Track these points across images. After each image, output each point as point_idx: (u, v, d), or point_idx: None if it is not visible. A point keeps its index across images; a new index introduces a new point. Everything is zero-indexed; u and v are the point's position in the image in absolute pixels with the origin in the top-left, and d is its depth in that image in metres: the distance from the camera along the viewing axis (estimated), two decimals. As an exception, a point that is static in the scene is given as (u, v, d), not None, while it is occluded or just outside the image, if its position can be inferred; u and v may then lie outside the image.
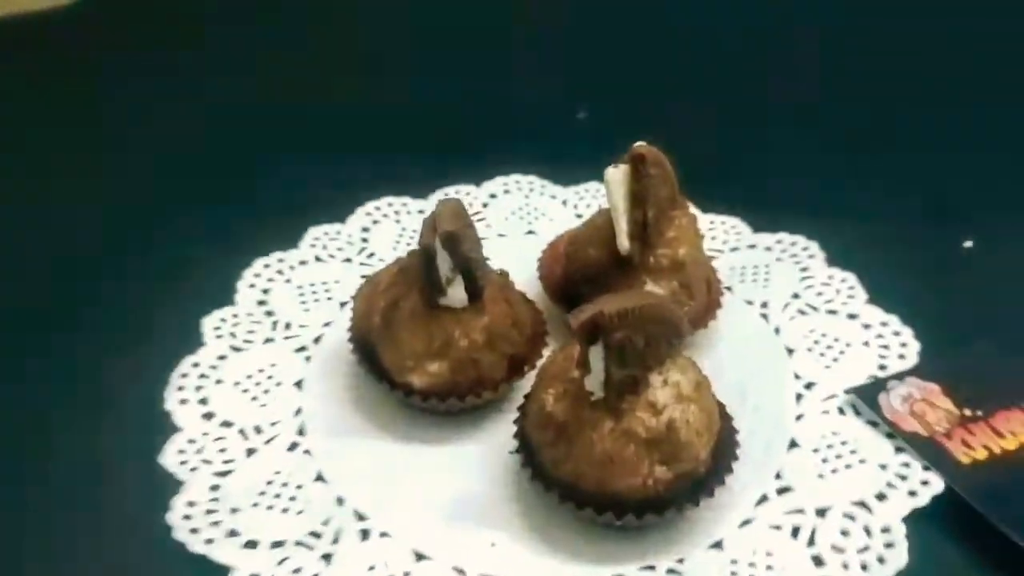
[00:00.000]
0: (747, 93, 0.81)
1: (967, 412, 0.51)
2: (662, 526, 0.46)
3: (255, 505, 0.48)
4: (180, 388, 0.54)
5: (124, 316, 0.59)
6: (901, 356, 0.55)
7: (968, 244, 0.65)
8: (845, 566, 0.44)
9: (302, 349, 0.57)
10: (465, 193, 0.70)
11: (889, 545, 0.45)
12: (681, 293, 0.54)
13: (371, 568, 0.45)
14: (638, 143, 0.52)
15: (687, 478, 0.45)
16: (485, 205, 0.69)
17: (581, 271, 0.55)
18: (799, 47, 0.86)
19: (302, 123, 0.78)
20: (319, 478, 0.49)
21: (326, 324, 0.58)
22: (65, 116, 0.79)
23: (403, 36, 0.91)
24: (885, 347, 0.56)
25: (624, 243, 0.52)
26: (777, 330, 0.57)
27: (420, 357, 0.50)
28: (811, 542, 0.46)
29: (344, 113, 0.79)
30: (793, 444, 0.50)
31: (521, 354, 0.52)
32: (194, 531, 0.46)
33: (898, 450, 0.49)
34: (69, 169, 0.72)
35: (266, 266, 0.63)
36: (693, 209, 0.64)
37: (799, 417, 0.52)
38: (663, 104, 0.79)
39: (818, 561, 0.45)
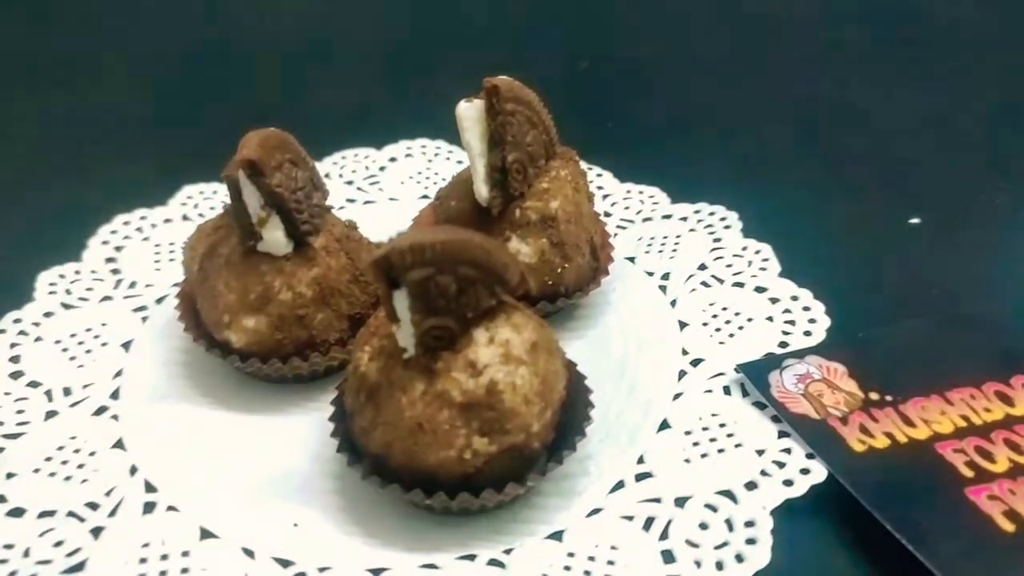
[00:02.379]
0: (685, 65, 0.75)
1: (873, 396, 0.44)
2: (492, 511, 0.40)
3: (36, 471, 0.42)
4: (-7, 345, 0.48)
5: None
6: (807, 333, 0.48)
7: (915, 221, 0.57)
8: (698, 564, 0.37)
9: (141, 309, 0.52)
10: (364, 156, 0.64)
11: (751, 541, 0.38)
12: (553, 253, 0.47)
13: (145, 545, 0.39)
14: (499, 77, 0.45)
15: (515, 453, 0.38)
16: (382, 169, 0.63)
17: (445, 224, 0.49)
18: (737, 22, 0.80)
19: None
20: (118, 445, 0.44)
21: (174, 284, 0.52)
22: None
23: None
24: (791, 323, 0.49)
25: (481, 190, 0.46)
26: (674, 303, 0.51)
27: (236, 311, 0.44)
28: (664, 535, 0.39)
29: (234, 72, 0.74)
30: (664, 425, 0.43)
31: (366, 315, 0.46)
32: (-44, 496, 0.40)
33: (782, 434, 0.42)
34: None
35: (126, 223, 0.57)
36: (599, 170, 0.58)
37: (677, 396, 0.45)
38: (593, 71, 0.73)
39: (668, 557, 0.38)
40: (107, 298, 0.52)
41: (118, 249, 0.56)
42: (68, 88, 0.73)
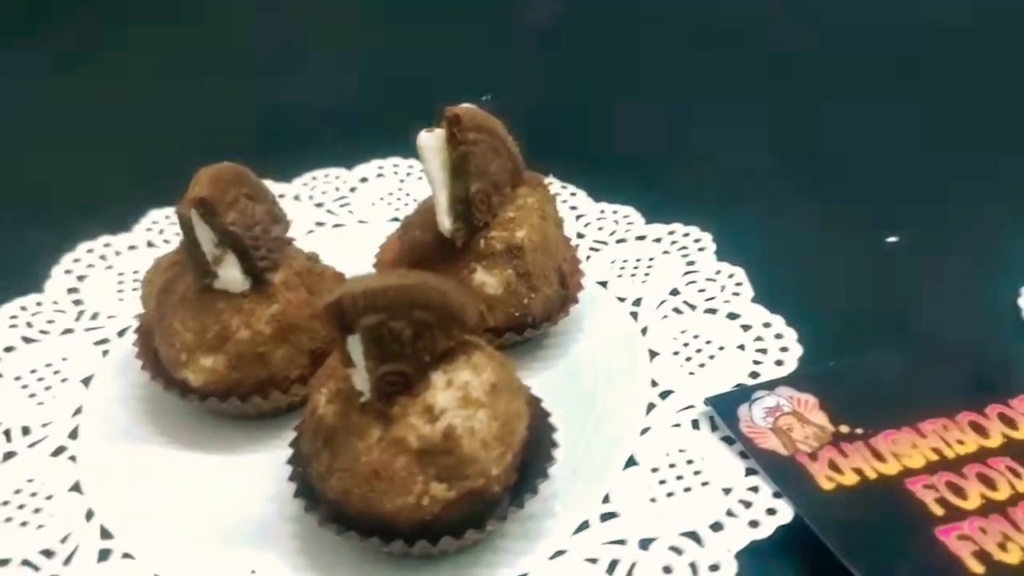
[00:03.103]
0: (661, 84, 0.74)
1: (843, 429, 0.43)
2: (453, 554, 0.39)
3: (-8, 517, 0.41)
4: (-51, 383, 0.48)
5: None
6: (779, 362, 0.47)
7: (892, 239, 0.56)
8: (661, 610, 0.37)
9: (103, 342, 0.51)
10: (335, 176, 0.63)
11: (715, 585, 0.37)
12: (519, 284, 0.46)
13: (99, 596, 0.38)
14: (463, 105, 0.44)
15: (474, 498, 0.37)
16: (353, 190, 0.62)
17: (409, 257, 0.48)
18: (713, 40, 0.79)
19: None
20: (75, 488, 0.43)
21: (136, 316, 0.51)
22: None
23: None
24: (763, 351, 0.48)
25: (444, 221, 0.45)
26: (644, 330, 0.50)
27: (192, 349, 0.43)
28: (628, 579, 0.38)
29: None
30: (631, 462, 0.43)
31: (328, 351, 0.44)
32: (-92, 545, 0.40)
33: (749, 472, 0.41)
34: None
35: (89, 251, 0.56)
36: (573, 189, 0.57)
37: (645, 431, 0.44)
38: (570, 93, 0.72)
39: (631, 602, 0.37)
40: (68, 331, 0.51)
41: (80, 279, 0.55)
42: (34, 108, 0.72)
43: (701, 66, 0.75)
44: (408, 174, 0.64)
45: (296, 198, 0.61)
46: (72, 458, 0.44)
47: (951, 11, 0.78)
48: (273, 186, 0.61)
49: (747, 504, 0.40)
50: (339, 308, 0.35)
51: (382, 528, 0.37)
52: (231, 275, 0.42)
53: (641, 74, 0.75)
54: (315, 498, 0.39)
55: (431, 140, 0.44)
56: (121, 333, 0.51)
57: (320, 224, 0.59)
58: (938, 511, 0.40)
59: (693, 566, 0.38)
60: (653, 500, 0.41)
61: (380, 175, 0.63)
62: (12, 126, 0.69)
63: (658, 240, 0.56)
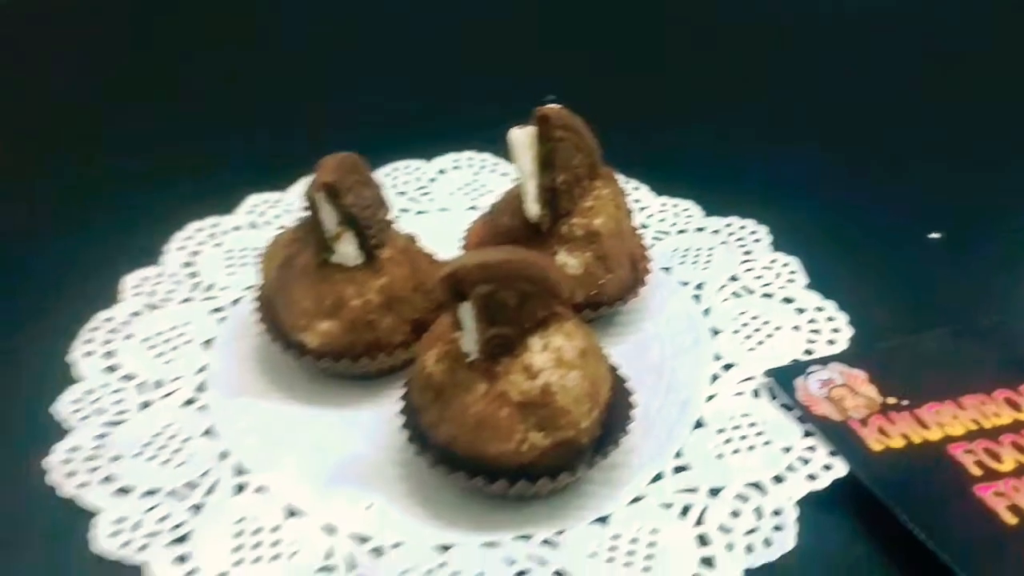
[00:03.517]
0: (718, 81, 0.79)
1: (891, 400, 0.48)
2: (546, 497, 0.44)
3: (137, 455, 0.47)
4: (88, 341, 0.54)
5: (50, 273, 0.59)
6: (831, 342, 0.52)
7: (935, 236, 0.61)
8: (729, 547, 0.42)
9: (218, 310, 0.56)
10: (415, 168, 0.69)
11: (778, 528, 0.42)
12: (596, 265, 0.52)
13: (240, 521, 0.44)
14: (548, 105, 0.50)
15: (567, 447, 0.43)
16: (432, 180, 0.68)
17: (496, 241, 0.53)
18: (772, 39, 0.84)
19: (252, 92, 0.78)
20: (208, 432, 0.48)
21: (247, 287, 0.57)
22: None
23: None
24: (816, 332, 0.53)
25: (532, 208, 0.50)
26: (707, 311, 0.55)
27: (312, 315, 0.49)
28: (699, 521, 0.43)
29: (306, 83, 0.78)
30: (699, 424, 0.48)
31: (427, 320, 0.50)
32: (70, 475, 0.46)
33: (807, 434, 0.47)
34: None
35: (199, 230, 0.62)
36: (636, 184, 0.62)
37: (711, 397, 0.49)
38: (632, 89, 0.77)
39: (703, 541, 0.42)
40: (187, 299, 0.57)
41: (194, 254, 0.60)
42: (142, 101, 0.78)
43: (758, 65, 0.80)
44: (482, 167, 0.69)
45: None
46: (203, 408, 0.50)
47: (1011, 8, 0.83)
48: None
49: (805, 461, 0.45)
50: (456, 278, 0.40)
51: (486, 470, 0.43)
52: (347, 251, 0.47)
53: (700, 75, 0.80)
54: (426, 444, 0.45)
55: (523, 136, 0.49)
56: (235, 302, 0.57)
57: (404, 211, 0.65)
58: (976, 472, 0.44)
59: (758, 511, 0.43)
60: (720, 456, 0.46)
61: (456, 167, 0.69)
62: (129, 121, 0.75)
63: (716, 232, 0.61)
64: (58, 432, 0.48)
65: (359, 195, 0.48)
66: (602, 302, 0.53)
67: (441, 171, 0.69)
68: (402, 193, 0.67)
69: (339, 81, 0.81)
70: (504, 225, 0.53)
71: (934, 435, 0.46)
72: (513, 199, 0.53)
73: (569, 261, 0.51)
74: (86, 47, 0.87)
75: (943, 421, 0.47)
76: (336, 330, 0.49)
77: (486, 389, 0.42)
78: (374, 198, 0.49)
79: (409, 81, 0.80)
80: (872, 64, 0.80)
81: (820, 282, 0.56)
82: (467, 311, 0.41)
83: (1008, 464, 0.45)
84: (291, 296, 0.49)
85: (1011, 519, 0.42)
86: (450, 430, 0.43)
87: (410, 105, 0.76)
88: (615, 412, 0.45)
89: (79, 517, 0.44)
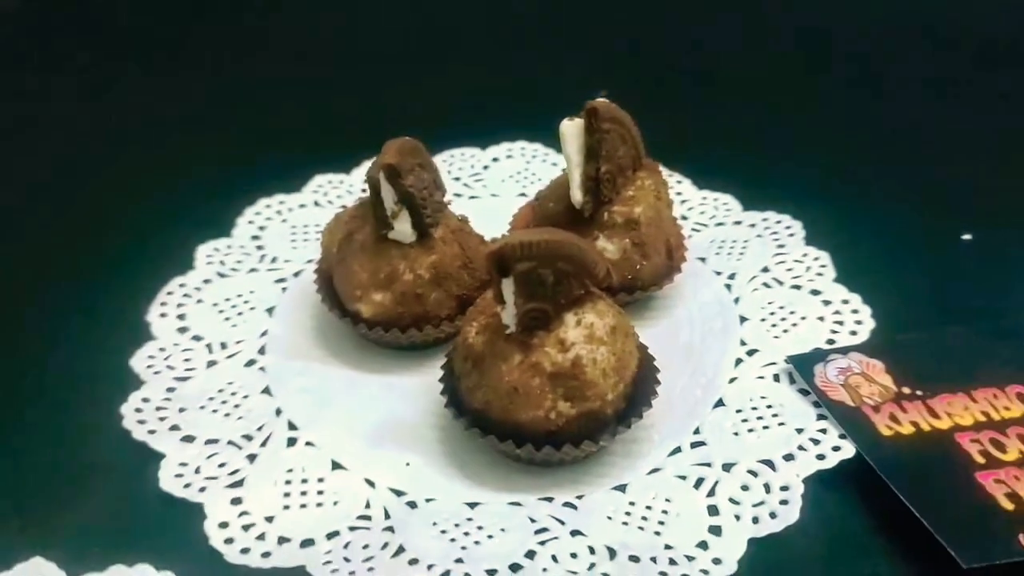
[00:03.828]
0: (760, 79, 0.81)
1: (906, 390, 0.51)
2: (571, 464, 0.48)
3: (202, 408, 0.52)
4: (163, 304, 0.59)
5: (134, 240, 0.64)
6: (853, 333, 0.55)
7: (967, 237, 0.63)
8: (737, 517, 0.45)
9: (281, 280, 0.61)
10: (471, 155, 0.73)
11: (784, 502, 0.45)
12: (633, 252, 0.55)
13: (289, 471, 0.48)
14: (598, 99, 0.53)
15: (592, 417, 0.46)
16: (486, 167, 0.72)
17: (542, 224, 0.57)
18: (808, 39, 0.87)
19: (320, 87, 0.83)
20: (265, 391, 0.53)
21: (308, 261, 0.62)
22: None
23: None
24: (839, 323, 0.55)
25: (576, 195, 0.54)
26: (737, 300, 0.58)
27: (367, 287, 0.53)
28: (711, 493, 0.46)
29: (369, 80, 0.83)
30: (720, 403, 0.51)
31: (472, 296, 0.54)
32: (141, 422, 0.51)
33: (820, 417, 0.49)
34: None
35: (267, 206, 0.67)
36: (679, 177, 0.65)
37: (733, 380, 0.52)
38: (679, 87, 0.81)
39: (713, 510, 0.46)
40: (253, 270, 0.62)
41: (261, 228, 0.65)
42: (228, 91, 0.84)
43: (798, 65, 0.83)
44: (534, 156, 0.72)
45: (437, 172, 0.71)
46: (262, 368, 0.55)
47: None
48: None
49: (816, 442, 0.48)
50: (500, 255, 0.44)
51: (516, 435, 0.47)
52: (404, 228, 0.52)
53: (746, 75, 0.82)
54: (462, 409, 0.48)
55: (571, 128, 0.53)
56: (296, 274, 0.61)
57: (458, 195, 0.69)
58: (980, 460, 0.47)
59: (767, 486, 0.46)
60: (736, 434, 0.49)
61: (509, 156, 0.72)
62: (210, 104, 0.81)
63: (753, 225, 0.64)
64: (134, 384, 0.53)
65: (418, 177, 0.52)
66: (637, 287, 0.56)
67: (495, 159, 0.72)
68: (457, 179, 0.71)
69: (406, 73, 0.85)
70: (550, 210, 0.56)
71: (944, 424, 0.49)
72: (559, 186, 0.57)
73: (608, 247, 0.55)
74: (157, 23, 0.92)
75: (953, 412, 0.49)
76: (388, 301, 0.53)
77: (521, 359, 0.46)
78: (431, 181, 0.53)
79: (471, 74, 0.84)
80: (910, 64, 0.82)
81: (849, 276, 0.59)
82: (508, 286, 0.45)
83: (1012, 454, 0.47)
84: (349, 268, 0.53)
85: (1008, 505, 0.44)
86: (486, 395, 0.47)
87: (470, 97, 0.80)
88: (641, 388, 0.49)
89: (149, 460, 0.49)
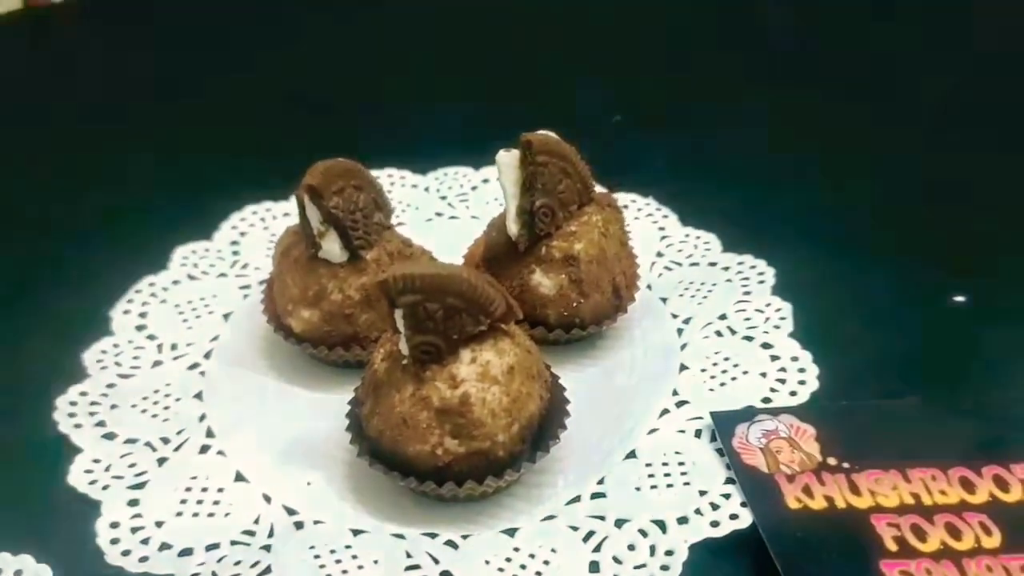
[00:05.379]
0: (763, 119, 0.78)
1: (831, 461, 0.48)
2: (471, 502, 0.47)
3: (133, 406, 0.54)
4: (129, 301, 0.61)
5: (112, 238, 0.67)
6: (793, 393, 0.52)
7: (959, 299, 0.59)
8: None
9: (246, 287, 0.62)
10: (462, 175, 0.73)
11: (664, 568, 0.43)
12: (571, 288, 0.54)
13: (193, 478, 0.49)
14: (540, 132, 0.52)
15: (482, 456, 0.45)
16: (474, 188, 0.71)
17: (486, 254, 0.56)
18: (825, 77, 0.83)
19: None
20: (197, 396, 0.55)
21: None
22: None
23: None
24: (781, 381, 0.53)
25: (512, 227, 0.53)
26: (684, 346, 0.56)
27: (297, 303, 0.53)
28: (598, 548, 0.45)
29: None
30: (631, 455, 0.49)
31: (407, 320, 0.54)
32: (71, 415, 0.53)
33: (728, 481, 0.47)
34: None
35: (254, 212, 0.69)
36: (665, 212, 0.63)
37: (653, 431, 0.50)
38: (679, 117, 0.79)
39: (594, 567, 0.44)
40: (223, 275, 0.63)
41: (243, 234, 0.67)
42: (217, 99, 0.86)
43: (807, 110, 0.79)
44: (525, 180, 0.72)
45: (426, 189, 0.71)
46: (202, 373, 0.56)
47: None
48: (410, 177, 0.73)
49: (715, 507, 0.46)
50: (385, 286, 0.44)
51: (403, 466, 0.46)
52: (332, 248, 0.52)
53: (745, 111, 0.79)
54: (360, 435, 0.48)
55: (508, 159, 0.52)
56: (262, 282, 0.62)
57: (439, 215, 0.69)
58: (892, 547, 0.43)
59: (652, 548, 0.44)
60: (638, 489, 0.47)
61: (499, 178, 0.72)
62: (206, 108, 0.83)
63: (726, 268, 0.61)
64: (81, 376, 0.55)
65: (347, 199, 0.52)
66: (575, 324, 0.54)
67: (485, 180, 0.72)
68: (443, 197, 0.71)
69: (412, 87, 0.86)
70: (493, 240, 0.56)
71: (862, 503, 0.45)
72: (503, 218, 0.56)
73: (544, 281, 0.54)
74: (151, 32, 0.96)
75: (878, 490, 0.46)
76: (316, 319, 0.53)
77: (413, 391, 0.45)
78: (370, 202, 0.54)
79: (475, 91, 0.84)
80: (924, 115, 0.77)
81: (809, 332, 0.55)
82: (399, 317, 0.45)
83: (931, 545, 0.44)
84: (284, 283, 0.54)
85: (904, 601, 0.41)
86: (379, 424, 0.47)
87: (472, 116, 0.79)
88: (547, 431, 0.48)
89: (70, 453, 0.51)
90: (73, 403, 0.53)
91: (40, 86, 0.89)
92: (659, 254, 0.63)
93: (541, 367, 0.48)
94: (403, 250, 0.55)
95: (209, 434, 0.52)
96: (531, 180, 0.52)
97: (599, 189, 0.57)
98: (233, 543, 0.46)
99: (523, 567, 0.44)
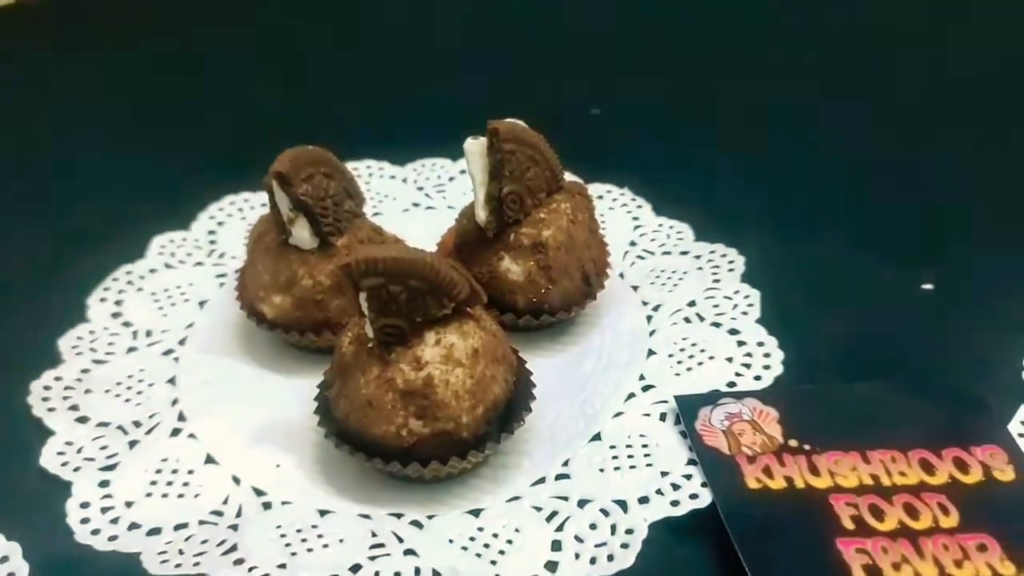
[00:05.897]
0: (739, 110, 0.79)
1: (792, 443, 0.48)
2: (437, 483, 0.48)
3: (107, 391, 0.54)
4: (106, 289, 0.62)
5: (93, 225, 0.67)
6: (757, 378, 0.52)
7: (927, 287, 0.59)
8: (576, 555, 0.44)
9: (222, 276, 0.63)
10: (440, 166, 0.73)
11: (624, 546, 0.44)
12: (539, 275, 0.54)
13: (164, 460, 0.50)
14: (507, 120, 0.53)
15: (445, 438, 0.46)
16: (451, 179, 0.72)
17: (457, 241, 0.57)
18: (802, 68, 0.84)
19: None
20: (171, 381, 0.55)
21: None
22: None
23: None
24: (747, 366, 0.53)
25: (480, 214, 0.54)
26: (652, 332, 0.56)
27: (268, 288, 0.54)
28: (560, 528, 0.45)
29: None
30: (596, 437, 0.50)
31: (378, 306, 0.55)
32: (45, 399, 0.53)
33: (691, 462, 0.48)
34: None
35: (231, 203, 0.69)
36: (640, 202, 0.64)
37: (618, 414, 0.51)
38: (665, 108, 0.79)
39: (556, 546, 0.45)
40: (199, 263, 0.64)
41: (220, 224, 0.68)
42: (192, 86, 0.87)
43: (775, 98, 0.80)
44: (502, 171, 0.72)
45: (404, 180, 0.72)
46: (176, 359, 0.57)
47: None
48: (388, 168, 0.73)
49: (676, 487, 0.46)
50: (348, 269, 0.44)
51: (369, 447, 0.47)
52: (302, 235, 0.53)
53: (720, 105, 0.80)
54: (328, 416, 0.49)
55: (475, 146, 0.52)
56: (237, 271, 0.63)
57: (416, 205, 0.69)
58: (849, 525, 0.44)
59: (613, 527, 0.45)
60: (602, 470, 0.48)
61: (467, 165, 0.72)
62: (168, 117, 0.84)
63: (697, 257, 0.62)
64: (56, 362, 0.56)
65: (316, 186, 0.52)
66: (544, 311, 0.55)
67: (462, 171, 0.72)
68: (420, 188, 0.71)
69: (397, 80, 0.86)
70: (463, 227, 0.56)
71: (821, 483, 0.46)
72: (472, 205, 0.56)
73: (512, 268, 0.54)
74: (129, 26, 0.96)
75: (838, 471, 0.47)
76: (287, 305, 0.54)
77: (378, 373, 0.46)
78: (340, 190, 0.54)
79: (454, 82, 0.84)
80: (899, 105, 0.78)
81: (776, 318, 0.56)
82: (363, 300, 0.45)
83: (888, 524, 0.44)
84: (256, 269, 0.55)
85: (860, 576, 0.42)
86: (345, 406, 0.47)
87: (449, 108, 0.80)
88: (512, 414, 0.48)
89: (44, 436, 0.51)
90: (47, 387, 0.54)
91: (15, 79, 0.90)
92: (632, 243, 0.64)
93: (507, 351, 0.49)
94: (374, 237, 0.56)
95: (181, 418, 0.53)
96: (498, 167, 0.52)
97: (571, 178, 0.58)
98: (201, 523, 0.47)
99: (486, 546, 0.45)
